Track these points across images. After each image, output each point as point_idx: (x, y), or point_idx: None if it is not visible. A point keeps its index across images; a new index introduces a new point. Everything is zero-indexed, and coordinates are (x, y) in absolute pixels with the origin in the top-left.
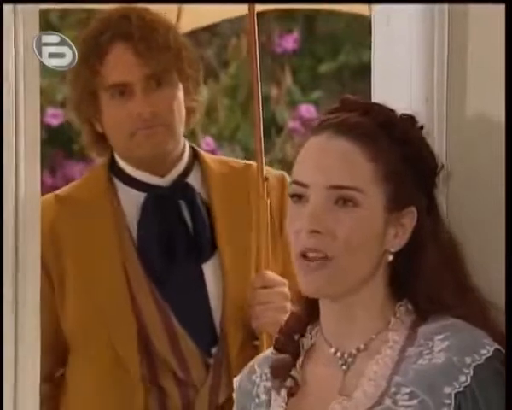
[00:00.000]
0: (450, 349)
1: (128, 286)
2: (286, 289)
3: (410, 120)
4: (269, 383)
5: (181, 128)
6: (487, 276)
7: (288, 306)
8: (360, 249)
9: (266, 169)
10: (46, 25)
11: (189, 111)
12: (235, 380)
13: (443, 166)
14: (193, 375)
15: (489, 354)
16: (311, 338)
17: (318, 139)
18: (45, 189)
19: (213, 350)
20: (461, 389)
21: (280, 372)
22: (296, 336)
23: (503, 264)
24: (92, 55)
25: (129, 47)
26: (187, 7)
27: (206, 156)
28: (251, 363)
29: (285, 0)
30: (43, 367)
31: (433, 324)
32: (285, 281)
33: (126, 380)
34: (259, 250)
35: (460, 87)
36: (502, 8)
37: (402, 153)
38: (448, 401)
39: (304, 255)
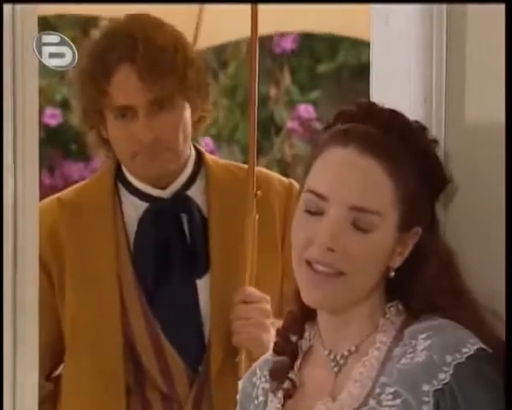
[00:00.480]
0: (431, 348)
1: (120, 297)
2: (267, 306)
3: (422, 130)
4: (267, 385)
5: (186, 145)
6: (487, 278)
7: (268, 323)
8: (370, 268)
9: (272, 174)
10: (45, 25)
11: (199, 120)
12: (240, 382)
13: (451, 181)
14: (178, 391)
15: (471, 353)
16: (310, 340)
17: (342, 152)
18: (44, 189)
19: (200, 368)
20: (439, 386)
21: (278, 374)
22: (294, 338)
23: (503, 266)
24: (99, 74)
25: (134, 70)
26: (204, 27)
27: (212, 162)
28: (254, 365)
29: (285, 0)
30: (44, 366)
31: (421, 323)
32: (267, 298)
33: (110, 388)
34: (244, 266)
35: (459, 87)
36: (500, 8)
37: (419, 169)
38: (427, 399)
39: (309, 264)
